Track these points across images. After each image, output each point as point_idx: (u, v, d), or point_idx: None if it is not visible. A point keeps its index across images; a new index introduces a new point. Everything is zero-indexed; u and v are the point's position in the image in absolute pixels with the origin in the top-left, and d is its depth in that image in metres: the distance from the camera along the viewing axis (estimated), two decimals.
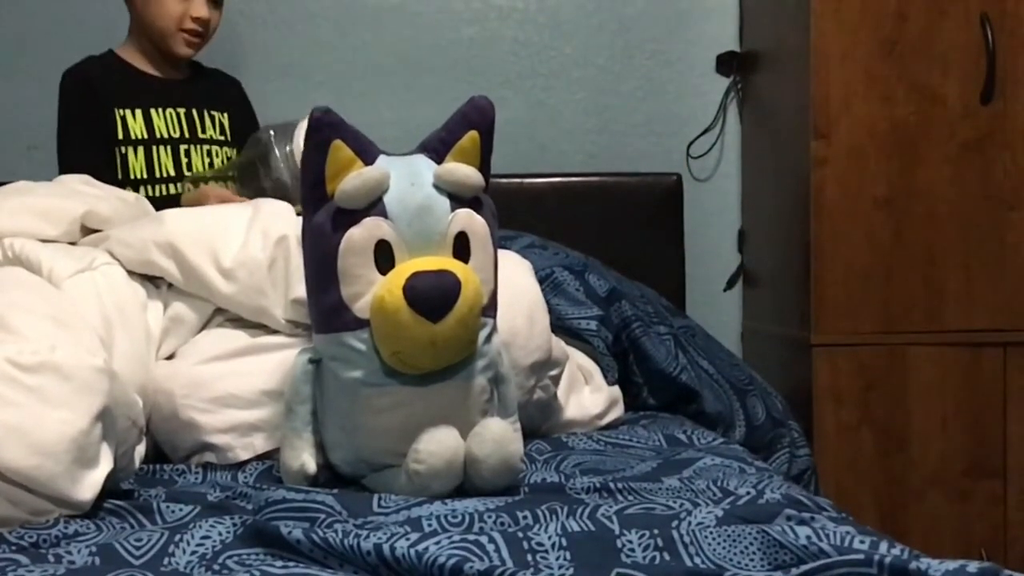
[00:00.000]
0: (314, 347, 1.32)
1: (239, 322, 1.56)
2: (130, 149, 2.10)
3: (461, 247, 1.27)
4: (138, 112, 2.11)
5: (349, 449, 1.30)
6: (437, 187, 1.26)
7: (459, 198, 1.27)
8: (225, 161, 2.18)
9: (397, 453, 1.25)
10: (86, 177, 1.78)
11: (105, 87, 2.12)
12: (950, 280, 2.14)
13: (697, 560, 0.96)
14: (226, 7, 2.24)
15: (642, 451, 1.51)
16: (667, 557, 0.96)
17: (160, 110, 2.13)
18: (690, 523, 1.02)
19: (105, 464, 1.17)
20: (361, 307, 1.24)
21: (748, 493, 1.14)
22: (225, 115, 2.23)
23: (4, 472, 1.09)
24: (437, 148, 1.30)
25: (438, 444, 1.22)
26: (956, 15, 2.11)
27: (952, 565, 0.82)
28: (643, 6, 2.65)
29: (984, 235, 2.13)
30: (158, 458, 1.48)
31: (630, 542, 0.98)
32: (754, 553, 0.95)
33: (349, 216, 1.24)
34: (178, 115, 2.15)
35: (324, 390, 1.30)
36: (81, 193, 1.69)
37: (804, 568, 0.88)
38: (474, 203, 1.29)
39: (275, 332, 1.53)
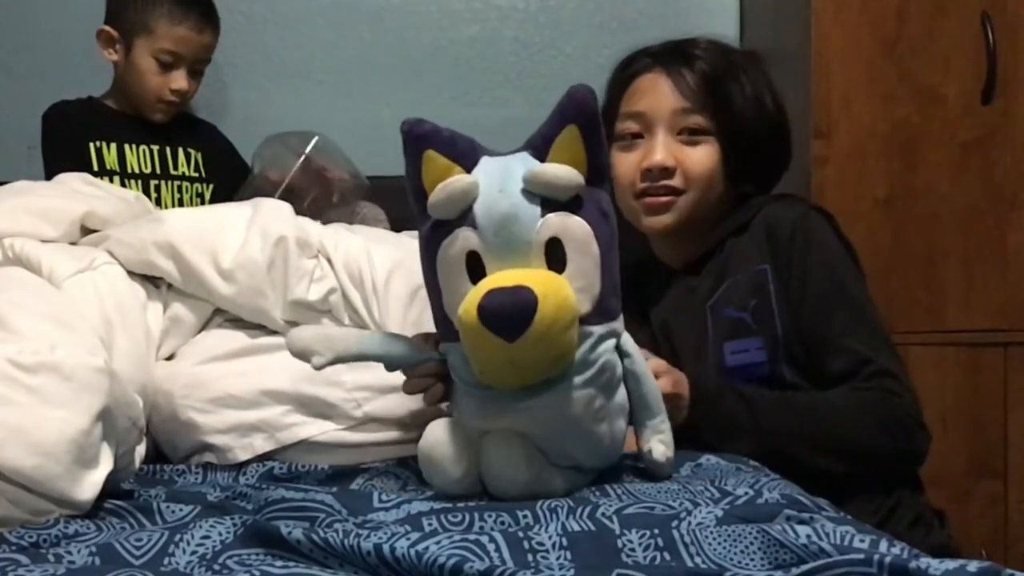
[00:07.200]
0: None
1: (238, 322, 1.56)
2: (104, 180, 2.11)
3: (556, 254, 1.19)
4: (112, 145, 2.14)
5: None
6: (527, 192, 1.19)
7: (554, 200, 1.20)
8: (195, 198, 2.21)
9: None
10: (86, 176, 1.78)
11: (82, 121, 2.15)
12: (950, 280, 2.13)
13: (698, 560, 0.96)
14: (226, 6, 2.24)
15: None
16: (668, 557, 0.96)
17: (133, 146, 2.16)
18: (690, 523, 1.02)
19: (105, 464, 1.17)
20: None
21: (746, 493, 1.14)
22: (199, 153, 2.24)
23: (4, 472, 1.09)
24: (538, 145, 1.24)
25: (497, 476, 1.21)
26: (956, 15, 2.10)
27: (952, 564, 0.82)
28: (643, 6, 2.64)
29: (985, 235, 2.13)
30: (158, 458, 1.49)
31: (631, 542, 0.98)
32: (754, 553, 0.95)
33: (444, 227, 1.21)
34: (151, 151, 2.18)
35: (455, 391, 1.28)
36: (81, 193, 1.69)
37: (804, 568, 0.88)
38: (573, 203, 1.21)
39: (274, 332, 1.53)
